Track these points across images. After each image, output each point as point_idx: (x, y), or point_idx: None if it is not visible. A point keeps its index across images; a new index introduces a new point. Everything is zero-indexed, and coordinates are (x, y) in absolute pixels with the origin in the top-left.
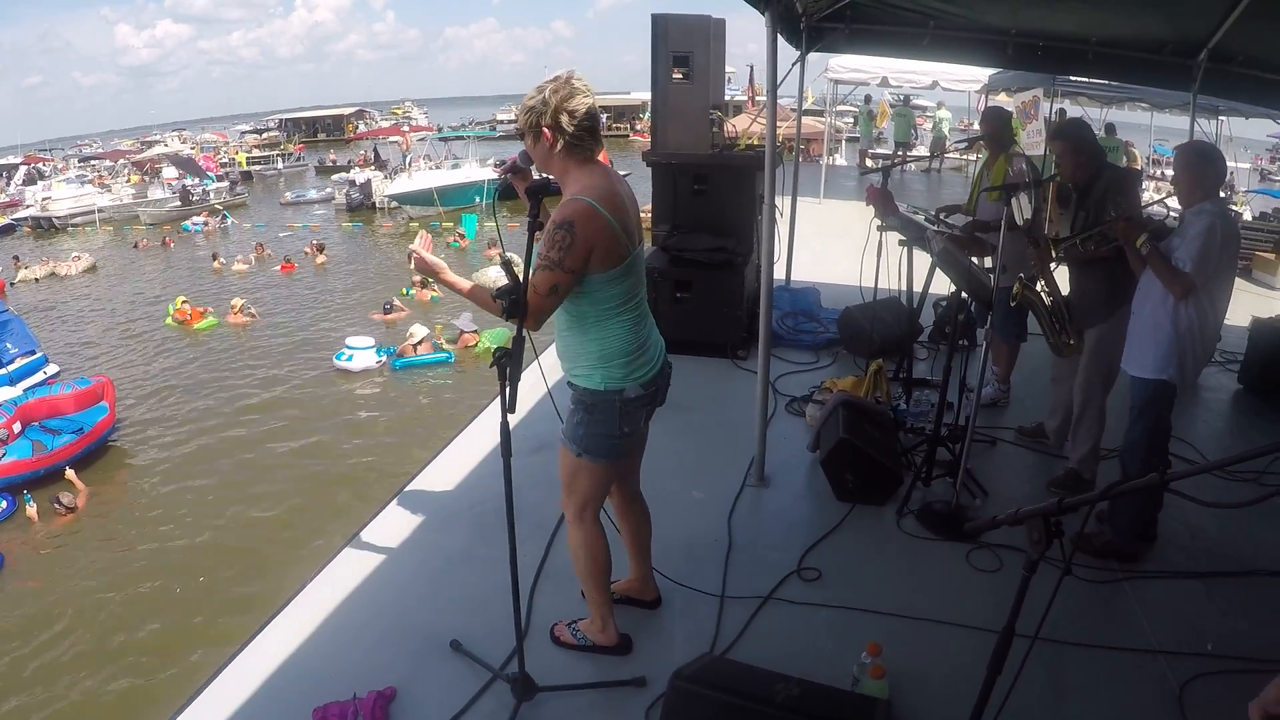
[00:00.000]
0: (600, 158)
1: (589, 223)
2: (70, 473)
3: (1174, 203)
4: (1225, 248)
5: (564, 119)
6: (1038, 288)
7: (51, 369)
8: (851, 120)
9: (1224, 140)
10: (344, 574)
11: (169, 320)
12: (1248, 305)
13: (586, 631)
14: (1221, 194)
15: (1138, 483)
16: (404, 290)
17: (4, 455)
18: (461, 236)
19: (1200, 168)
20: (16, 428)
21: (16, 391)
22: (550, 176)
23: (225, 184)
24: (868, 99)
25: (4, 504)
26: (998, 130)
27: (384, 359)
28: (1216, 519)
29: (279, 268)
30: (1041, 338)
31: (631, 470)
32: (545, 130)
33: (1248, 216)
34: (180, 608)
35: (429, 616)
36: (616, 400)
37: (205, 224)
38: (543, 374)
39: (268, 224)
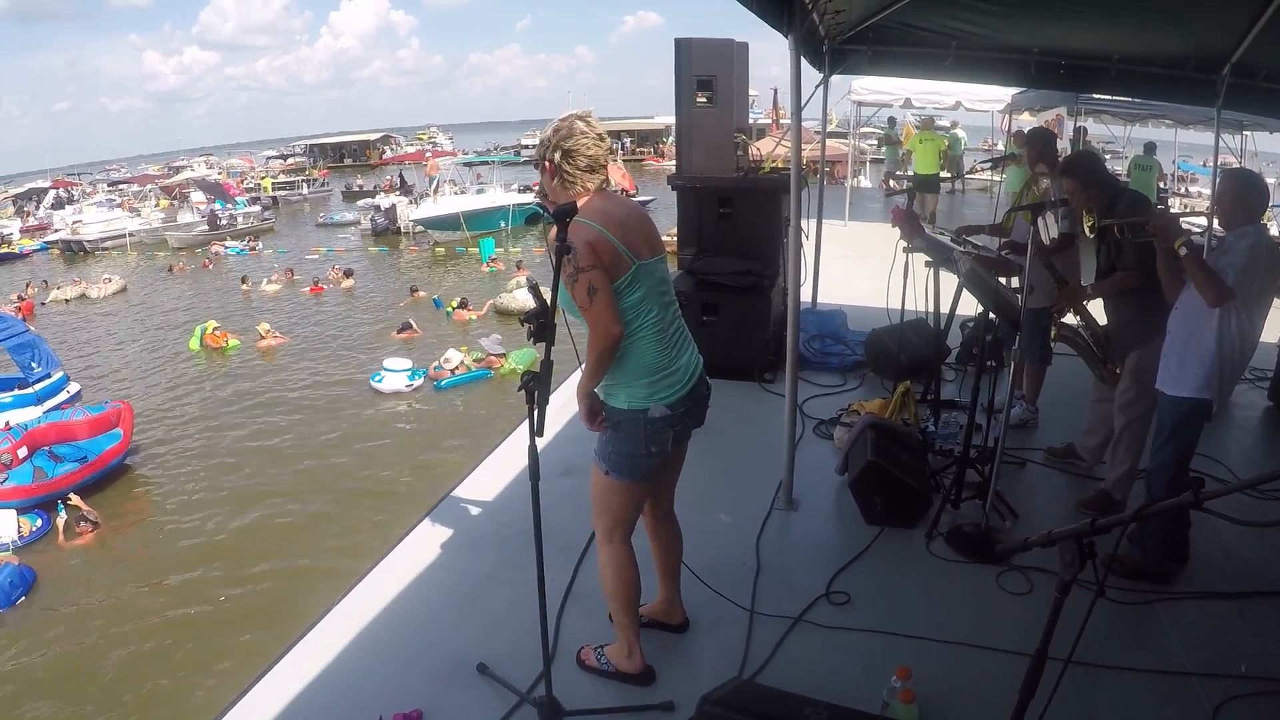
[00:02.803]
0: (616, 174)
1: (583, 234)
2: (75, 498)
3: (1198, 222)
4: (1269, 269)
5: (558, 156)
6: (1073, 323)
7: (73, 388)
8: (876, 142)
9: (1249, 155)
10: (371, 596)
11: (195, 344)
12: (1275, 321)
13: (612, 657)
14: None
15: (1172, 502)
16: (447, 311)
17: (5, 480)
18: (494, 260)
19: (1245, 192)
20: (22, 453)
21: (39, 411)
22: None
23: (257, 207)
24: (891, 122)
25: (40, 522)
26: (1043, 152)
27: (415, 383)
28: (1249, 538)
29: (308, 289)
30: (1071, 358)
31: (665, 490)
32: (546, 163)
33: (1274, 231)
34: (202, 629)
35: (456, 639)
36: (641, 419)
37: (249, 249)
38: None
39: (289, 250)
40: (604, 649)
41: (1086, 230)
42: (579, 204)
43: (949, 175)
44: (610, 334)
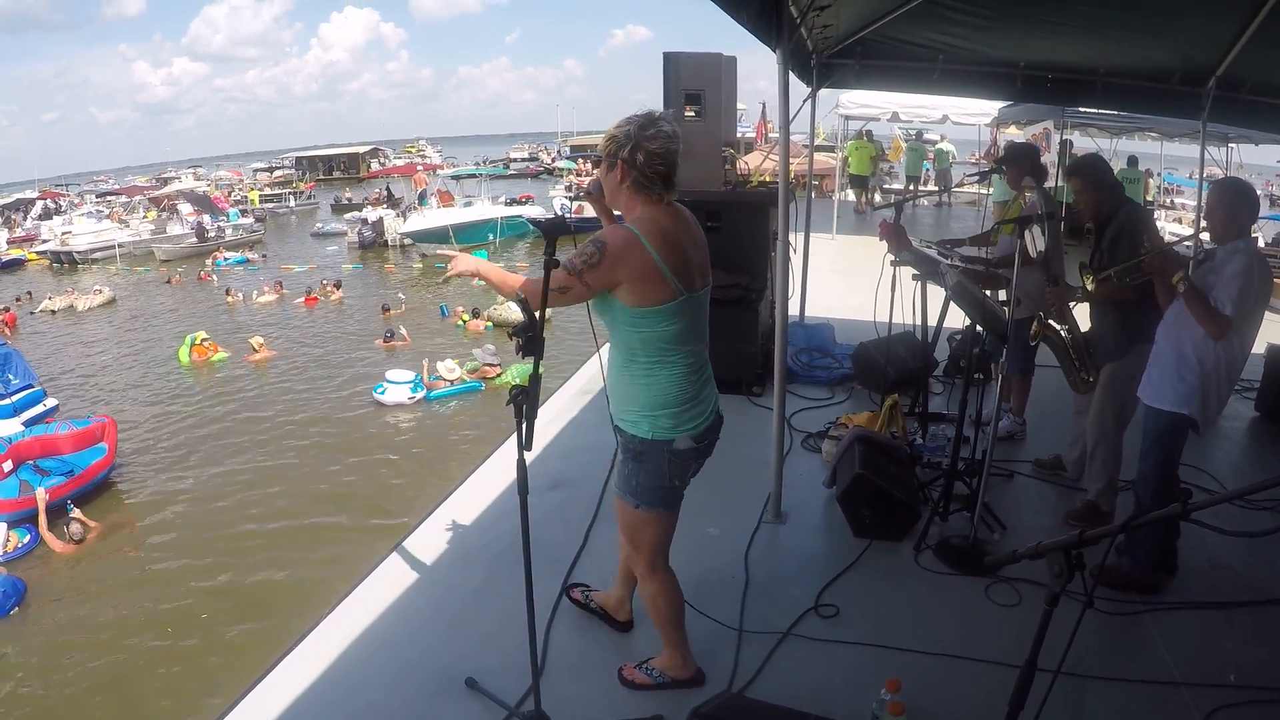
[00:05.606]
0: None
1: (624, 249)
2: (77, 511)
3: (1182, 231)
4: (1261, 287)
5: (640, 156)
6: (1057, 326)
7: (50, 403)
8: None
9: (1234, 167)
10: (359, 610)
11: (184, 355)
12: (1263, 332)
13: (664, 668)
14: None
15: (1160, 513)
16: (457, 324)
17: None
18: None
19: (1236, 204)
20: (7, 466)
21: (17, 425)
22: (570, 217)
23: (249, 219)
24: (866, 134)
25: (28, 538)
26: (1031, 167)
27: (418, 395)
28: (1237, 548)
29: (303, 300)
30: (1058, 370)
31: None
32: (620, 162)
33: (1260, 243)
34: (185, 644)
35: (444, 653)
36: (665, 451)
37: (248, 259)
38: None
39: (260, 269)
40: (650, 663)
41: (1088, 285)
42: (642, 213)
43: (937, 188)
44: (534, 308)
